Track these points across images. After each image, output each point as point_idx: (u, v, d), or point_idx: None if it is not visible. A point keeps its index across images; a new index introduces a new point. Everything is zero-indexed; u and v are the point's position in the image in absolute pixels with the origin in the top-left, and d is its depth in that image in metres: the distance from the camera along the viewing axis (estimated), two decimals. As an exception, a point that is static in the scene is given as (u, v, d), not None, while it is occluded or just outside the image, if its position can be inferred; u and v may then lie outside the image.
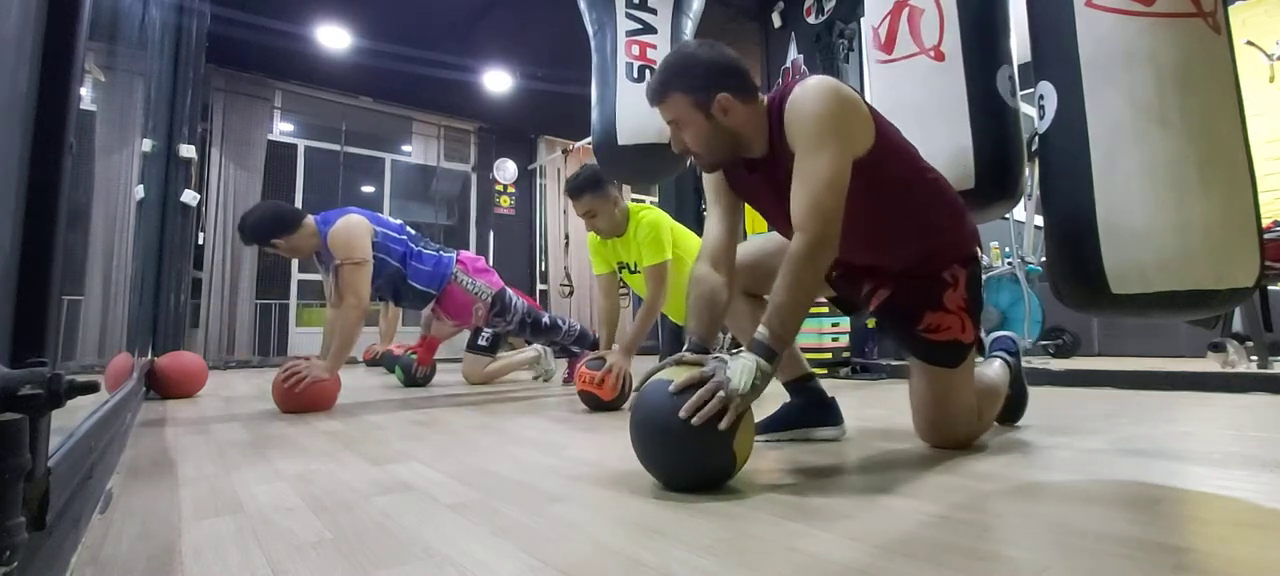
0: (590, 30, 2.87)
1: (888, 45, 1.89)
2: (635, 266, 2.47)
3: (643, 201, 2.78)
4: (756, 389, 1.00)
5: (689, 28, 2.97)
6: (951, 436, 1.29)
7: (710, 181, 1.35)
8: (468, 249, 7.10)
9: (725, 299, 1.25)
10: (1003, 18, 1.77)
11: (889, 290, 1.33)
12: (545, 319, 3.00)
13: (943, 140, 1.71)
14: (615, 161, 2.33)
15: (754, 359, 1.01)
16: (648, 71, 2.77)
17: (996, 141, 1.69)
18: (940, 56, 1.75)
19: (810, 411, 1.45)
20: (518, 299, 2.92)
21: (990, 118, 1.69)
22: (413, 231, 2.71)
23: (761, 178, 1.24)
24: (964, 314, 1.27)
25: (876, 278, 1.36)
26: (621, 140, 2.26)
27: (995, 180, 1.71)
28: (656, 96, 1.21)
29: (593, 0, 2.83)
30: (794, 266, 1.06)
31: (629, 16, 2.72)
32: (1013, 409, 1.57)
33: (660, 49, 2.75)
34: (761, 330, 1.04)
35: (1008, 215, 3.45)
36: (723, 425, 0.95)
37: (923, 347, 1.28)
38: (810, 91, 1.13)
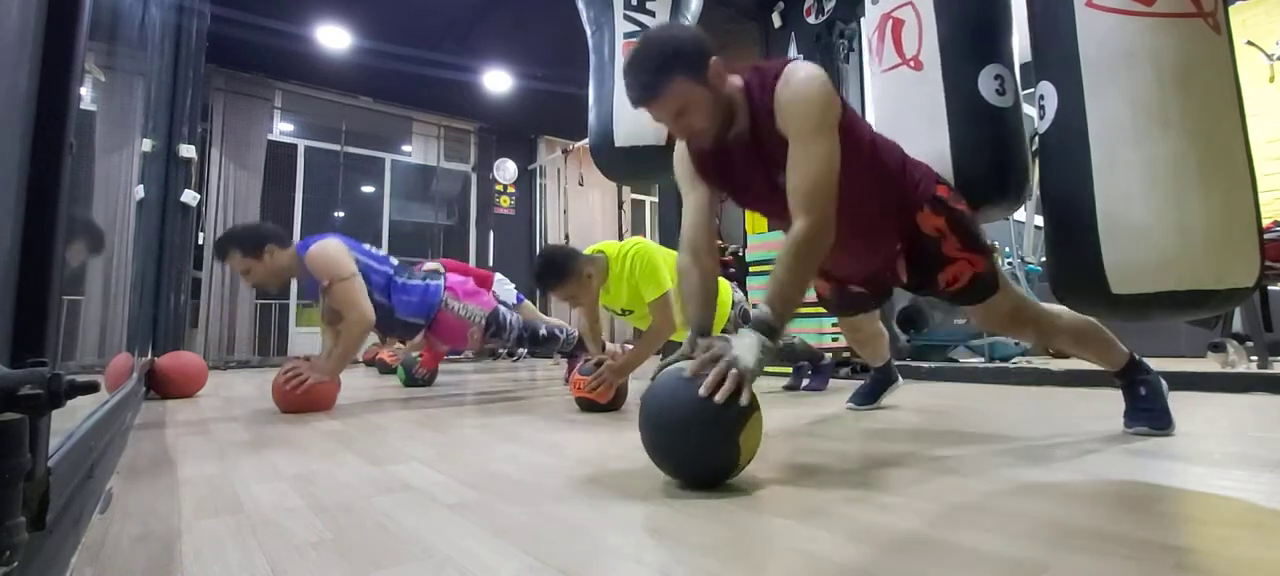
0: (588, 30, 2.85)
1: (879, 56, 1.90)
2: (624, 311, 2.36)
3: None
4: (760, 364, 1.02)
5: None
6: (1034, 336, 1.50)
7: (684, 171, 1.35)
8: (467, 249, 7.13)
9: (715, 285, 1.32)
10: (988, 19, 1.76)
11: (905, 260, 1.42)
12: (542, 330, 2.96)
13: (924, 148, 1.72)
14: (613, 163, 2.32)
15: (757, 336, 1.03)
16: None
17: (979, 144, 1.69)
18: (919, 66, 1.75)
19: (881, 384, 2.05)
20: (511, 315, 2.87)
21: (971, 121, 1.68)
22: (395, 262, 2.60)
23: (752, 156, 1.23)
24: (967, 252, 1.36)
25: (880, 260, 1.45)
26: (619, 142, 2.26)
27: (985, 181, 1.70)
28: (653, 91, 1.14)
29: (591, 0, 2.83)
30: (798, 250, 1.09)
31: (627, 18, 2.72)
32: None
33: (658, 52, 2.77)
34: (763, 309, 1.07)
35: (1008, 216, 3.47)
36: (743, 400, 0.97)
37: (958, 298, 1.41)
38: (805, 78, 1.14)
